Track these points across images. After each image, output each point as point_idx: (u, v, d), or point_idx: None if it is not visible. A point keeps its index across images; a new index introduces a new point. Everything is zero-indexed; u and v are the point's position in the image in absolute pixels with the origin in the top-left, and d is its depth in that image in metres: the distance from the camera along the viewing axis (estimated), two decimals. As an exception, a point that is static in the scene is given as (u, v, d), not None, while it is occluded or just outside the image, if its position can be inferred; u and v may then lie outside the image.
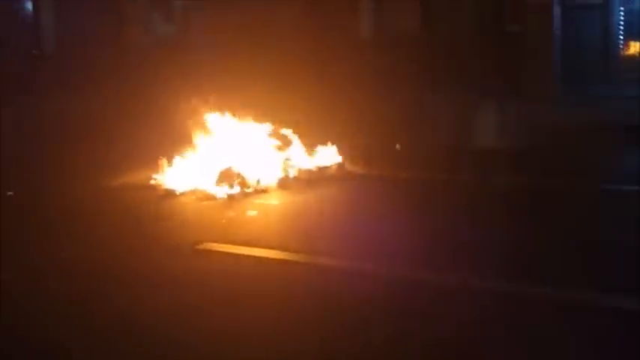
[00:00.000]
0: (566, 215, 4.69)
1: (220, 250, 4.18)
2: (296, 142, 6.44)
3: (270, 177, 5.92)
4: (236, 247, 4.20)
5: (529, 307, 3.16)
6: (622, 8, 12.09)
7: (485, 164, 6.38)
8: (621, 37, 12.07)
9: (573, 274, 3.54)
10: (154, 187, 5.75)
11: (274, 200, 5.48)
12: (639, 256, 3.76)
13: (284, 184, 5.92)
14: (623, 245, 3.96)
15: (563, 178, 5.69)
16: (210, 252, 4.16)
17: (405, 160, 6.77)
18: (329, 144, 6.53)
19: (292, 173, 6.11)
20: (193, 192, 5.63)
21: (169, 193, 5.64)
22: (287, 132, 6.48)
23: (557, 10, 10.17)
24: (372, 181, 6.00)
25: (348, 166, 6.44)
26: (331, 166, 6.41)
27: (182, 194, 5.63)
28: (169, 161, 5.99)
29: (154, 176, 5.88)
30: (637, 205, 4.84)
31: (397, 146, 7.17)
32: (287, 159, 6.20)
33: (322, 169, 6.32)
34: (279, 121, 6.47)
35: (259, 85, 7.05)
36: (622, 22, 12.26)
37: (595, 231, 4.32)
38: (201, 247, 4.23)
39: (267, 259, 3.99)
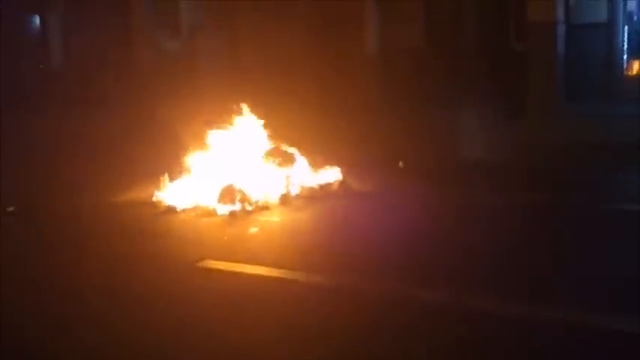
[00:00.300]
0: (562, 233, 4.63)
1: (220, 267, 4.15)
2: (299, 158, 6.43)
3: (272, 194, 5.90)
4: (236, 264, 4.17)
5: (524, 327, 3.11)
6: (627, 27, 12.15)
7: (487, 181, 6.34)
8: (626, 56, 12.10)
9: (566, 294, 3.50)
10: (155, 204, 5.73)
11: (276, 217, 5.46)
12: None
13: (286, 201, 5.89)
14: (620, 266, 3.91)
15: (563, 196, 5.63)
16: (209, 269, 4.14)
17: (410, 176, 6.73)
18: (331, 161, 6.51)
19: (294, 190, 6.09)
20: (194, 209, 5.62)
21: (170, 210, 5.62)
22: (290, 149, 6.47)
23: (561, 29, 10.20)
24: (375, 198, 5.96)
25: (351, 183, 6.41)
26: (334, 183, 6.38)
27: (183, 211, 5.61)
28: (171, 177, 5.99)
29: (156, 192, 5.87)
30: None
31: (400, 164, 7.14)
32: (289, 176, 6.18)
33: (325, 186, 6.28)
34: (282, 137, 6.47)
35: (263, 102, 7.06)
36: (627, 41, 12.31)
37: (591, 250, 4.27)
38: (200, 264, 4.21)
39: (267, 277, 3.96)
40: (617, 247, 4.38)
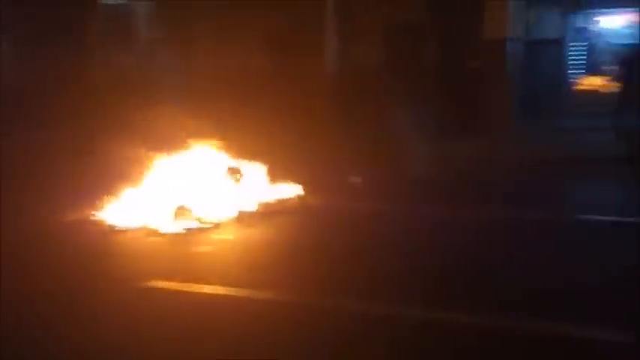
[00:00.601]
0: (512, 244, 4.61)
1: (166, 287, 3.99)
2: (256, 174, 6.33)
3: (226, 211, 5.77)
4: (183, 284, 4.02)
5: (462, 335, 3.08)
6: (578, 44, 12.55)
7: (441, 194, 6.35)
8: (576, 72, 12.47)
9: (507, 302, 3.47)
10: (104, 223, 5.54)
11: (228, 235, 5.33)
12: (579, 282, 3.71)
13: (241, 218, 5.77)
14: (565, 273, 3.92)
15: (517, 208, 5.64)
16: (155, 289, 3.98)
17: (366, 192, 6.71)
18: (290, 176, 6.44)
19: (250, 207, 5.98)
20: (144, 228, 5.44)
21: (119, 229, 5.44)
22: (246, 165, 6.38)
23: (516, 46, 10.43)
24: (332, 213, 5.90)
25: (309, 199, 6.34)
26: (291, 198, 6.31)
27: (133, 230, 5.43)
28: (120, 196, 5.81)
29: (105, 212, 5.68)
30: (595, 234, 4.82)
31: (354, 179, 7.10)
32: (244, 192, 6.07)
33: (282, 202, 6.20)
34: (240, 153, 6.37)
35: (219, 116, 6.96)
36: (578, 57, 12.71)
37: (538, 259, 4.26)
38: (148, 284, 4.05)
39: (215, 295, 3.83)
40: (569, 256, 4.36)
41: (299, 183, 6.45)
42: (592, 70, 12.73)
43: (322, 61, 10.44)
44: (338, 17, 10.59)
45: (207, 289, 3.91)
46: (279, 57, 10.01)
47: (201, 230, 5.43)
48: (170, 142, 6.26)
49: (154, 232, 5.34)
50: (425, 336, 3.12)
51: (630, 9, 12.50)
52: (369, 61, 10.14)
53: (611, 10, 12.61)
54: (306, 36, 10.45)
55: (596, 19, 12.93)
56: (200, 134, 6.40)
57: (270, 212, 5.93)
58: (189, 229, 5.43)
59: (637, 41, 11.24)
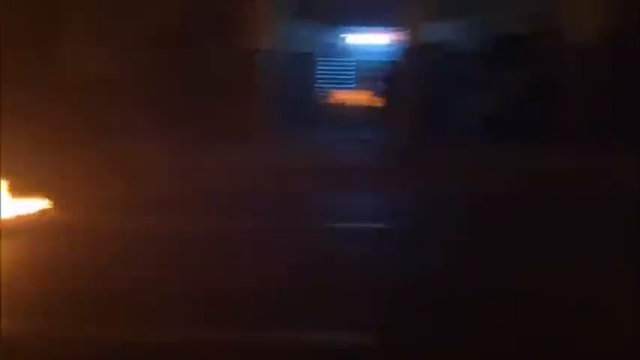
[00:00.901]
0: (259, 255, 4.78)
1: None
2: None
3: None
4: None
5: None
6: (335, 59, 13.60)
7: (185, 208, 6.33)
8: (330, 85, 13.54)
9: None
10: None
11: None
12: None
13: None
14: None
15: (265, 218, 5.86)
16: None
17: (117, 208, 6.41)
18: (34, 190, 5.96)
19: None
20: None
21: None
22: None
23: (267, 57, 10.81)
24: (78, 231, 5.56)
25: (55, 215, 5.93)
26: (34, 214, 5.84)
27: None
28: None
29: None
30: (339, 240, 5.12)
31: (102, 192, 6.74)
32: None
33: (21, 218, 5.72)
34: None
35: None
36: (334, 71, 13.78)
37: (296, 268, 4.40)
38: None
39: None
40: (314, 263, 4.50)
41: (45, 196, 6.00)
42: (347, 84, 13.91)
43: (68, 67, 9.59)
44: (87, 20, 9.78)
45: None
46: (23, 61, 8.93)
47: None
48: None
49: None
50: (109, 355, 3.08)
51: (387, 28, 13.93)
52: (120, 69, 9.61)
53: (369, 27, 13.89)
54: (50, 43, 9.52)
55: (353, 35, 14.12)
56: None
57: (6, 230, 5.42)
58: None
59: (393, 58, 12.52)
